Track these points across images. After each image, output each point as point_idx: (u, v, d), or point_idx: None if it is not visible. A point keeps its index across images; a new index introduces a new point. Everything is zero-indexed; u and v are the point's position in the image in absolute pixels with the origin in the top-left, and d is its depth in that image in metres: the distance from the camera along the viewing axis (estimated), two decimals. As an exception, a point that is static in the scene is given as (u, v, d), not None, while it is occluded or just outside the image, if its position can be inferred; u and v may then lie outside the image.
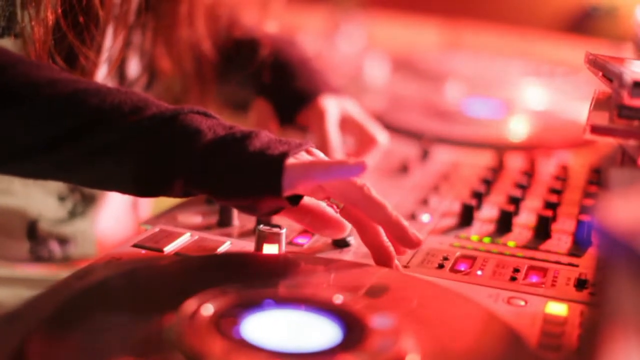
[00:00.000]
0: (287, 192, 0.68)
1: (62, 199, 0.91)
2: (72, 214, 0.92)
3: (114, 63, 0.87)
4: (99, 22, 0.81)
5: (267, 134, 0.70)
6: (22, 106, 0.68)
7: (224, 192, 0.69)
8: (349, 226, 0.73)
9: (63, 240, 0.92)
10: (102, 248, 0.96)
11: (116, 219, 0.98)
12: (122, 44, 0.86)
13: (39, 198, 0.89)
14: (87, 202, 0.94)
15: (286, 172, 0.67)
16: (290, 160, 0.68)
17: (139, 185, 0.70)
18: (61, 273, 0.90)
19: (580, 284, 0.71)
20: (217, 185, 0.69)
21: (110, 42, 0.85)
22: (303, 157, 0.69)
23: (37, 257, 0.90)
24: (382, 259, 0.71)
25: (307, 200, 0.72)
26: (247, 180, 0.68)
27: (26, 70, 0.70)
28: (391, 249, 0.71)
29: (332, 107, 0.98)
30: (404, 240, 0.70)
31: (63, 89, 0.69)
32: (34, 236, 0.89)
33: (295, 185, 0.67)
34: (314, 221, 0.72)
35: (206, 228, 0.79)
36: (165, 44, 0.95)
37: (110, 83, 0.81)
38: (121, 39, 0.86)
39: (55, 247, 0.91)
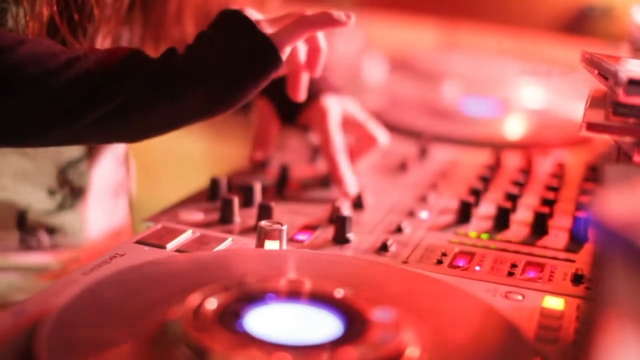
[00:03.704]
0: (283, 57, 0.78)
1: (51, 193, 0.92)
2: (61, 207, 0.93)
3: None
4: (93, 19, 0.82)
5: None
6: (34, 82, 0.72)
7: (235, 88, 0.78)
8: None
9: (51, 230, 0.93)
10: (88, 237, 0.97)
11: (102, 210, 0.99)
12: (112, 40, 0.87)
13: (29, 192, 0.90)
14: (76, 196, 0.95)
15: (274, 40, 0.77)
16: (265, 30, 0.77)
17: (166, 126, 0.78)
18: (50, 262, 0.92)
19: (577, 278, 0.72)
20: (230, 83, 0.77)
21: (102, 38, 0.86)
22: (252, 15, 0.79)
23: (26, 246, 0.91)
24: (294, 84, 0.87)
25: None
26: (250, 63, 0.77)
27: (31, 48, 0.73)
28: (305, 74, 0.86)
29: (334, 107, 0.98)
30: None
31: (63, 60, 0.73)
32: (23, 226, 0.91)
33: (284, 50, 0.78)
34: None
35: (207, 225, 0.80)
36: (154, 41, 0.96)
37: None
38: (112, 35, 0.87)
39: (44, 237, 0.92)
